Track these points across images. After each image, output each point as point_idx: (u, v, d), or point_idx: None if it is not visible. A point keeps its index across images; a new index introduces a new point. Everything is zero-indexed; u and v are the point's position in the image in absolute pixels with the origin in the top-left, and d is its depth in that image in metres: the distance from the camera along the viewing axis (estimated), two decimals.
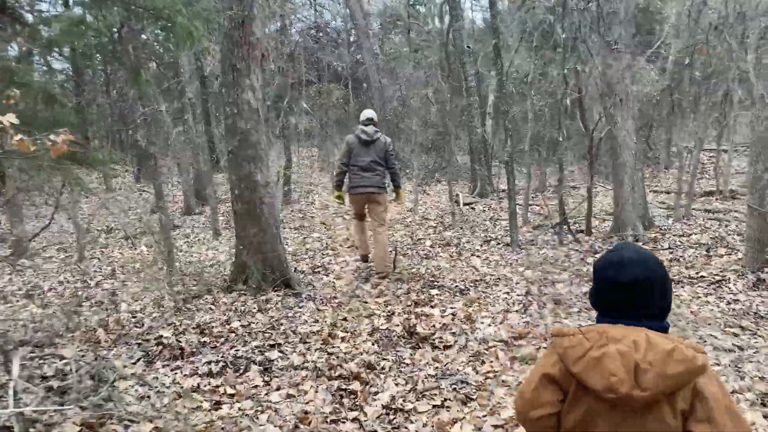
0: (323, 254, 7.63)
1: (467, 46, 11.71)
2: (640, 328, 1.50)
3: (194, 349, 4.40)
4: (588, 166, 7.65)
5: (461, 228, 8.90)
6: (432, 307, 5.29)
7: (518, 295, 5.61)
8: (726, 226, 7.82)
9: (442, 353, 4.26)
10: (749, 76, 5.25)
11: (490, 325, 4.72)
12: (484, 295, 5.63)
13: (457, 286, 5.94)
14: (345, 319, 4.98)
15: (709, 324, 4.47)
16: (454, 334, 4.59)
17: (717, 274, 5.82)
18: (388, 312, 5.21)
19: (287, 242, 8.43)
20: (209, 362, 4.13)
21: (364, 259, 6.82)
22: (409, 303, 5.43)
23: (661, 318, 1.56)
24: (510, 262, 6.94)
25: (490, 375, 3.83)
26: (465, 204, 10.91)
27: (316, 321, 4.94)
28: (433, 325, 4.78)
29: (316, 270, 6.82)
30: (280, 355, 4.29)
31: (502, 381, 3.72)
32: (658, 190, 11.75)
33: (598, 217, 8.94)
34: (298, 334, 4.66)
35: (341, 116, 16.23)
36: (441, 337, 4.52)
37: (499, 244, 7.87)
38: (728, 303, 5.12)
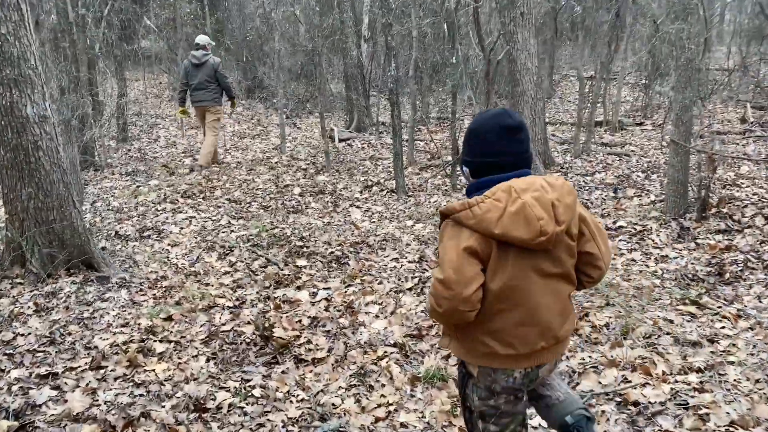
0: (158, 210, 5.88)
1: None
2: (531, 175, 1.54)
3: None
4: (484, 94, 6.45)
5: (337, 171, 7.47)
6: (298, 288, 3.89)
7: (411, 262, 4.35)
8: (627, 161, 7.09)
9: (311, 371, 2.90)
10: None
11: (377, 317, 3.42)
12: (367, 264, 4.31)
13: (332, 252, 4.56)
14: (171, 318, 3.43)
15: (656, 300, 3.49)
16: (328, 334, 3.24)
17: (637, 224, 4.94)
18: (237, 299, 3.74)
19: (114, 193, 6.53)
20: None
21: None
22: (267, 283, 3.99)
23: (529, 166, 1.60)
24: (396, 213, 5.66)
25: (382, 412, 2.54)
26: (341, 140, 9.44)
27: (126, 324, 3.36)
28: (299, 321, 3.40)
29: (144, 234, 5.11)
30: (54, 394, 2.70)
31: (401, 424, 2.46)
32: (547, 122, 10.99)
33: None
34: (92, 351, 3.07)
35: (195, 36, 13.76)
36: (310, 342, 3.16)
37: (382, 190, 6.56)
38: (657, 261, 4.24)
